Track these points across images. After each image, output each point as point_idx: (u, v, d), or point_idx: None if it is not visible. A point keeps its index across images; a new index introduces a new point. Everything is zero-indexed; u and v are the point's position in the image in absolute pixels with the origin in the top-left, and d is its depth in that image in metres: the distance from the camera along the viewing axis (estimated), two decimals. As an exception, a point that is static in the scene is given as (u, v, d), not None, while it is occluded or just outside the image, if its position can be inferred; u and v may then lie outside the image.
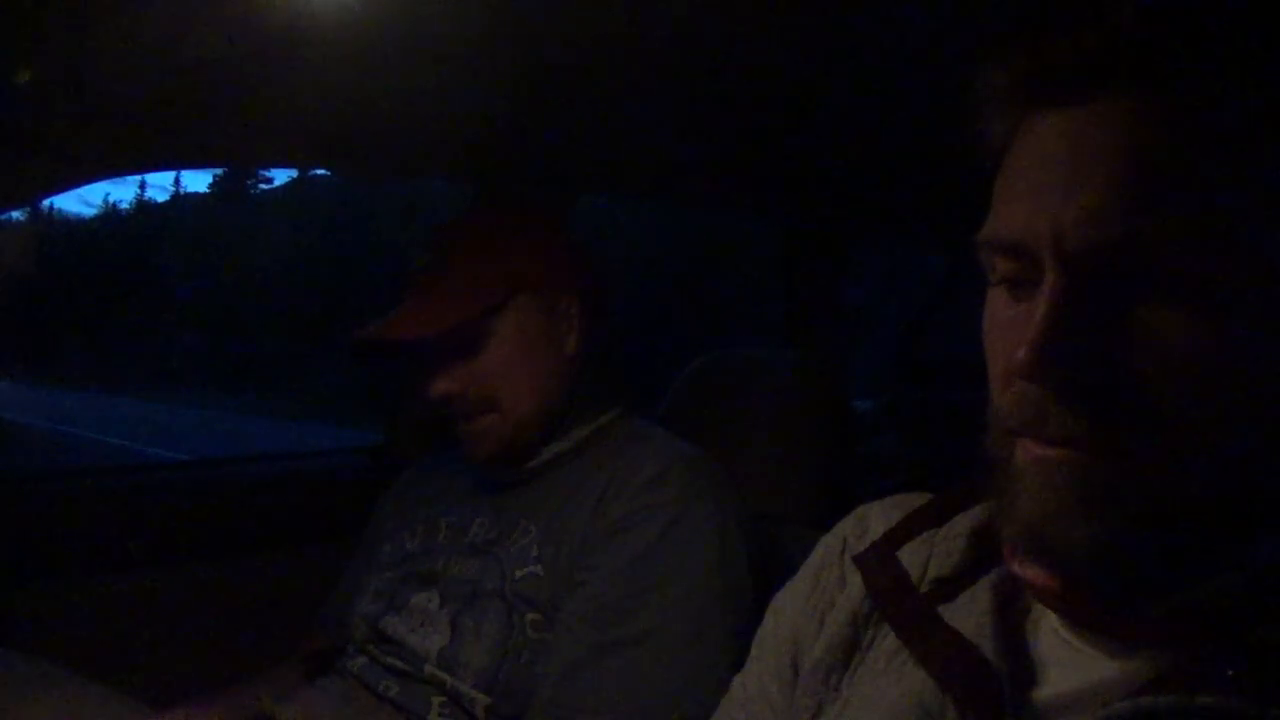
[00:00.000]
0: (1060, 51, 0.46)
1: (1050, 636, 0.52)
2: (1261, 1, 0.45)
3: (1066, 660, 0.50)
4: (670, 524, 0.97)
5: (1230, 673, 0.42)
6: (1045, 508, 0.46)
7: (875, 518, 0.66)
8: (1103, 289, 0.44)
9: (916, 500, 0.64)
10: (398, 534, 1.17)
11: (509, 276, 1.08)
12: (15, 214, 1.17)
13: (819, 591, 0.64)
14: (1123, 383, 0.44)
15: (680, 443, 1.09)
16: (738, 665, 0.88)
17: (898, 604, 0.57)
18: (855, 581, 0.61)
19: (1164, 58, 0.44)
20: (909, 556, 0.59)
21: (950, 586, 0.57)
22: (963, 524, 0.59)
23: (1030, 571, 0.51)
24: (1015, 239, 0.47)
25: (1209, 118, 0.43)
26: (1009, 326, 0.49)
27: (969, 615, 0.54)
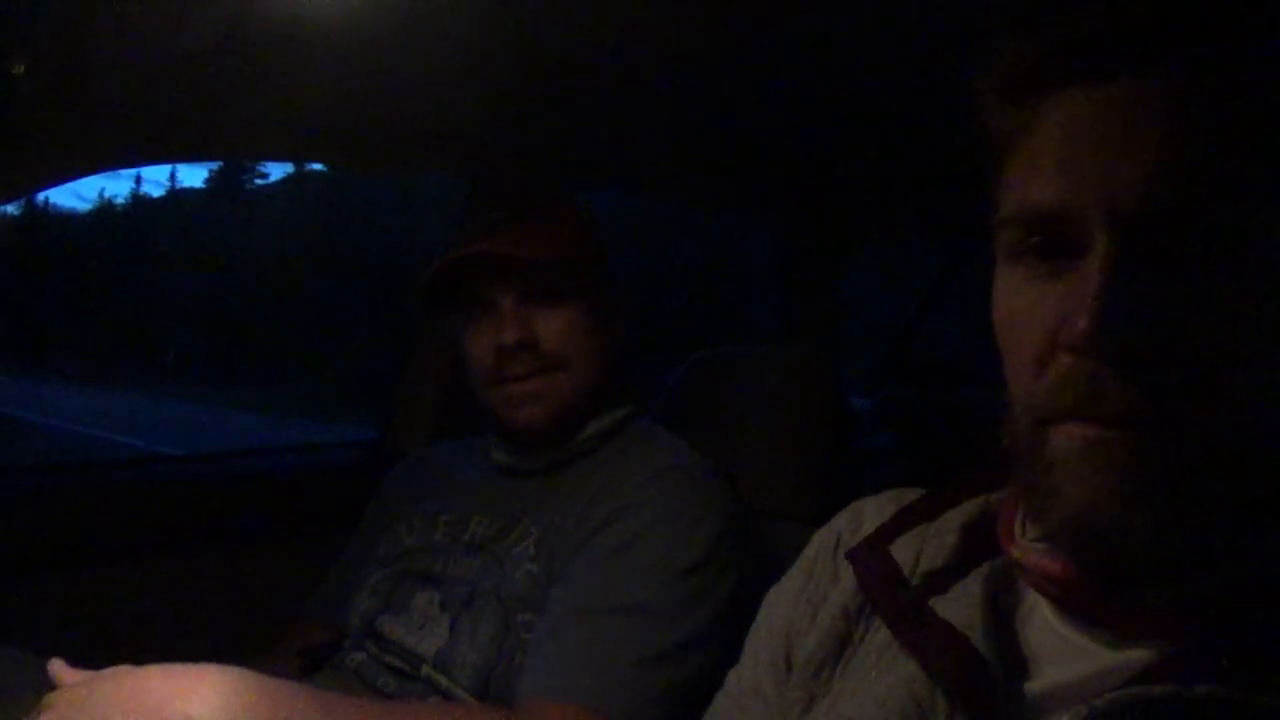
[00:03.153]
0: (1091, 27, 0.45)
1: (1042, 628, 0.52)
2: None
3: (1059, 651, 0.50)
4: (662, 517, 0.97)
5: (1225, 662, 0.42)
6: (1097, 494, 0.44)
7: (869, 513, 0.66)
8: (1158, 254, 0.43)
9: (910, 495, 0.64)
10: (394, 528, 1.16)
11: (583, 249, 1.10)
12: (9, 208, 1.17)
13: (812, 586, 0.65)
14: (1185, 351, 0.42)
15: (685, 446, 1.09)
16: (711, 669, 0.86)
17: (889, 596, 0.57)
18: (848, 575, 0.61)
19: (1197, 29, 0.44)
20: (901, 550, 0.59)
21: (941, 579, 0.57)
22: (955, 518, 0.60)
23: (1034, 559, 0.51)
24: (1059, 207, 0.45)
25: (1250, 85, 0.43)
26: (1039, 303, 0.47)
27: (960, 607, 0.54)
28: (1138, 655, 0.47)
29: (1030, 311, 0.47)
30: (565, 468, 1.10)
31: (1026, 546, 0.52)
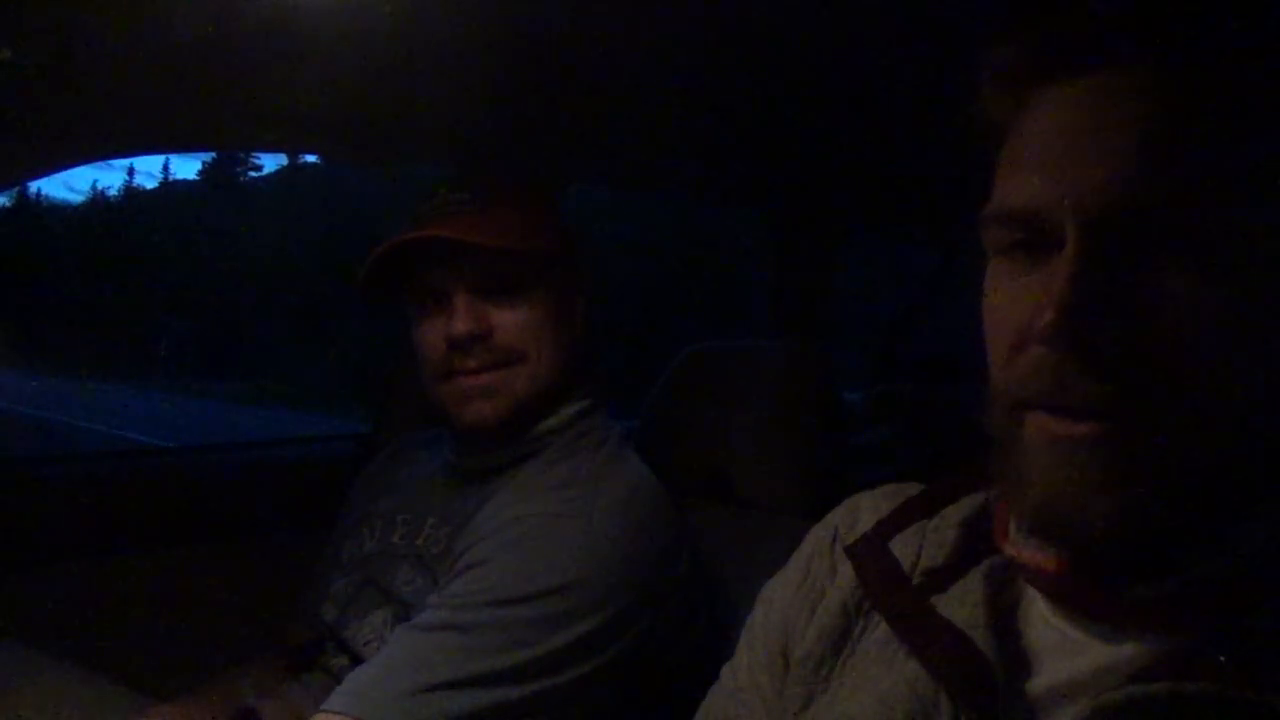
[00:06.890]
0: (1073, 22, 0.46)
1: (1040, 624, 0.52)
2: None
3: (1058, 647, 0.50)
4: (533, 533, 0.92)
5: (1222, 659, 0.42)
6: (1061, 485, 0.45)
7: (866, 508, 0.66)
8: (1125, 252, 0.44)
9: (907, 491, 0.64)
10: (358, 531, 1.14)
11: (549, 240, 1.05)
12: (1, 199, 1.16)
13: (809, 582, 0.64)
14: (1148, 346, 0.43)
15: (621, 455, 1.04)
16: (549, 701, 0.83)
17: (889, 595, 0.56)
18: (846, 571, 0.61)
19: (1175, 26, 0.44)
20: (900, 547, 0.59)
21: (942, 577, 0.56)
22: (954, 514, 0.59)
23: (1027, 554, 0.51)
24: (1032, 207, 0.46)
25: (1224, 82, 0.44)
26: (1017, 296, 0.48)
27: (961, 605, 0.54)
28: (1134, 651, 0.47)
29: (1009, 303, 0.49)
30: (517, 466, 1.04)
31: (1019, 542, 0.52)
